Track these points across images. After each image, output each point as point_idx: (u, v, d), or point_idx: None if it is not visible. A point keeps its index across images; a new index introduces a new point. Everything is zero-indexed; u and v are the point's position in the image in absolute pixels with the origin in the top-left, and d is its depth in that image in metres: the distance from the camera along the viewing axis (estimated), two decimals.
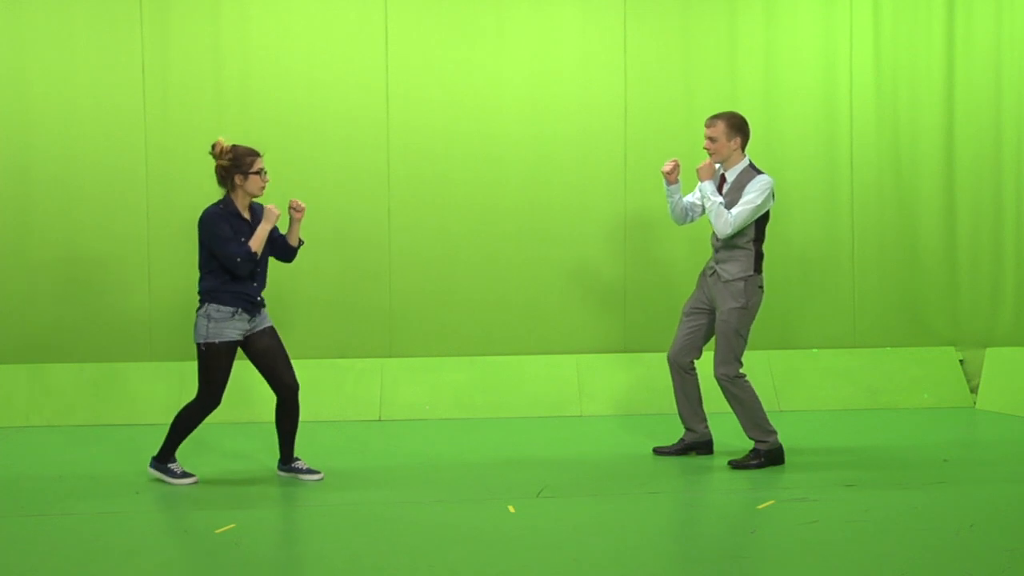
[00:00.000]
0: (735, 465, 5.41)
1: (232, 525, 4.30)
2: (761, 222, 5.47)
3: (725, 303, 5.43)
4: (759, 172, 5.43)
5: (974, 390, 7.69)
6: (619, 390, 7.49)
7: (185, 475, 5.19)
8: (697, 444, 5.76)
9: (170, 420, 7.15)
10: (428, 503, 4.79)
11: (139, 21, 7.34)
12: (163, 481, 5.19)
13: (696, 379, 5.72)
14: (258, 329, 5.17)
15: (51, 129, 7.31)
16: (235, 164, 5.01)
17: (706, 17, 7.69)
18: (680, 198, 5.69)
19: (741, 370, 5.48)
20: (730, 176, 5.49)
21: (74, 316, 7.34)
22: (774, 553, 3.82)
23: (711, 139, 5.48)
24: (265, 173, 5.11)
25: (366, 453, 6.05)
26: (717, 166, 5.60)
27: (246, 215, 5.11)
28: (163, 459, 5.21)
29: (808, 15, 7.76)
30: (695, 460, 5.68)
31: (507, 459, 5.80)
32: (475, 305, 7.61)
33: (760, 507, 4.52)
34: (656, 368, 7.57)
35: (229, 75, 7.40)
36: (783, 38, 7.75)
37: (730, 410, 5.58)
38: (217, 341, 4.99)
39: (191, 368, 7.36)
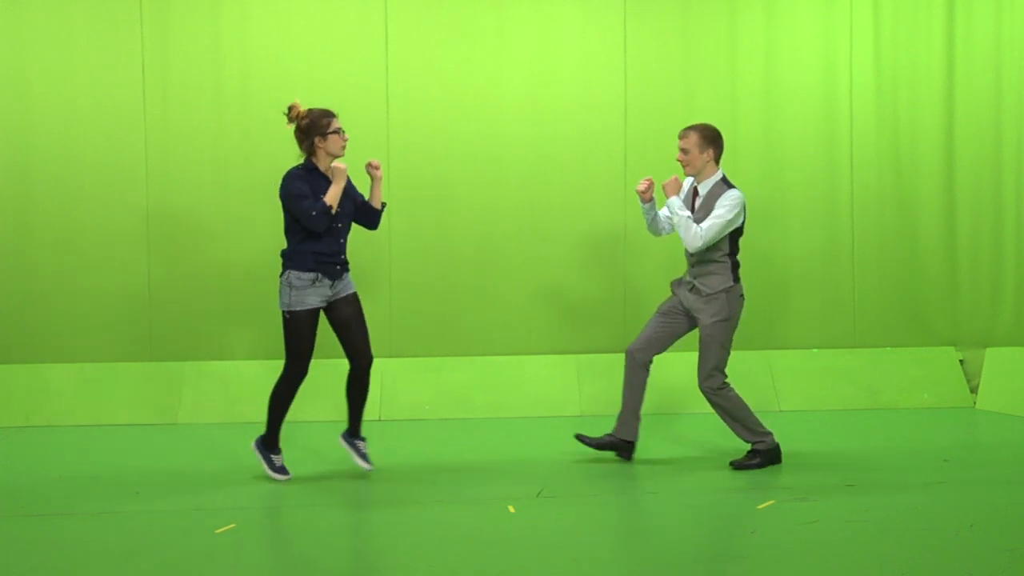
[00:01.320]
0: (736, 466, 5.41)
1: (232, 525, 4.30)
2: (735, 236, 5.43)
3: (708, 317, 5.39)
4: (731, 187, 5.38)
5: (974, 390, 7.69)
6: (618, 390, 7.45)
7: (283, 471, 5.20)
8: (621, 445, 5.61)
9: (170, 420, 7.19)
10: (428, 503, 4.78)
11: (139, 21, 7.34)
12: (261, 465, 5.21)
13: (646, 379, 5.61)
14: (341, 295, 5.19)
15: (51, 129, 7.31)
16: (313, 126, 5.05)
17: (706, 17, 7.69)
18: (655, 214, 5.63)
19: (725, 380, 5.44)
20: (703, 189, 5.44)
21: (74, 316, 7.34)
22: (774, 553, 3.82)
23: (684, 151, 5.43)
24: (343, 132, 5.12)
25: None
26: (689, 180, 5.54)
27: (330, 176, 5.12)
28: (268, 444, 5.21)
29: (808, 15, 7.76)
30: (695, 460, 5.67)
31: (507, 459, 5.80)
32: (475, 305, 7.61)
33: (760, 507, 4.52)
34: (656, 368, 7.56)
35: (229, 75, 7.40)
36: (783, 38, 7.75)
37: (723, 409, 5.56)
38: (299, 309, 5.02)
39: (191, 368, 7.38)
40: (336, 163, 5.12)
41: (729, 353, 5.46)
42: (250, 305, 7.46)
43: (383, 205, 5.37)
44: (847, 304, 7.84)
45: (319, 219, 4.97)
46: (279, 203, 7.57)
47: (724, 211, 5.28)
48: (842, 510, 4.44)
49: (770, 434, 5.49)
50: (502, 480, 5.22)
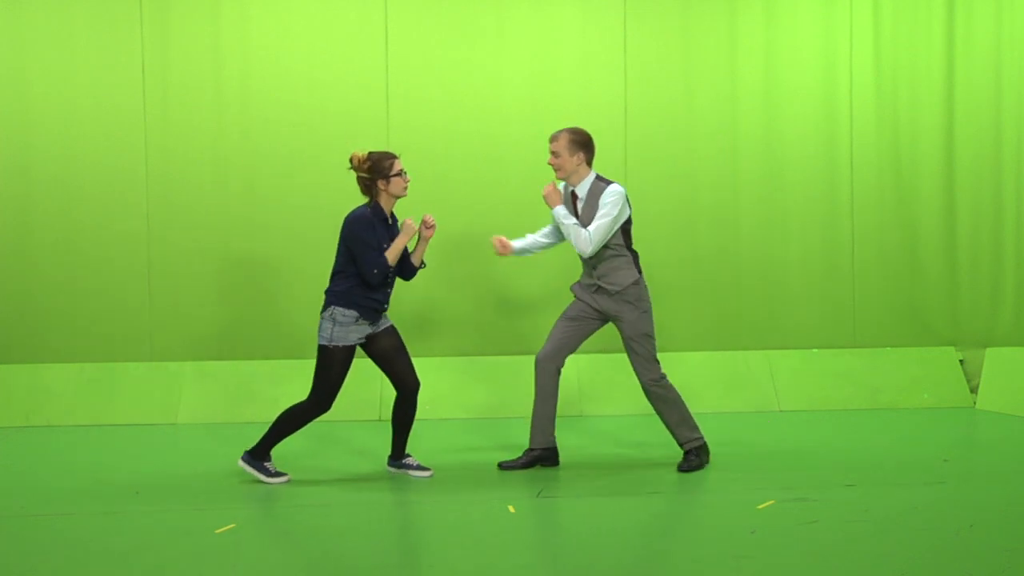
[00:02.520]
0: (684, 469, 5.34)
1: (232, 525, 4.30)
2: (626, 229, 5.39)
3: (626, 313, 5.36)
4: (608, 183, 5.34)
5: (974, 390, 7.69)
6: (619, 390, 7.48)
7: (279, 474, 5.17)
8: (544, 456, 5.54)
9: (169, 420, 7.19)
10: (428, 503, 4.78)
11: (139, 21, 7.35)
12: (255, 478, 5.17)
13: (558, 384, 5.54)
14: (379, 330, 5.23)
15: (51, 129, 7.32)
16: (376, 170, 5.07)
17: (706, 17, 7.70)
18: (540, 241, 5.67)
19: (661, 368, 5.40)
20: (580, 192, 5.39)
21: (74, 316, 7.34)
22: (774, 553, 3.81)
23: (554, 154, 5.38)
24: (405, 173, 5.16)
25: (366, 453, 6.04)
26: (562, 184, 5.52)
27: (390, 220, 5.19)
28: (259, 455, 5.17)
29: (808, 15, 7.76)
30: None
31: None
32: (475, 305, 7.61)
33: (760, 507, 4.52)
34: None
35: (229, 75, 7.41)
36: (783, 38, 7.75)
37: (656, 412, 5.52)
38: (340, 344, 5.03)
39: (191, 368, 7.39)
40: (408, 220, 5.16)
41: (656, 344, 5.41)
42: (250, 305, 7.46)
43: (422, 264, 5.38)
44: (847, 304, 7.84)
45: (377, 277, 5.02)
46: (279, 203, 7.61)
47: (607, 209, 5.24)
48: (842, 510, 4.44)
49: (701, 434, 5.47)
50: (502, 480, 5.22)
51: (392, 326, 5.30)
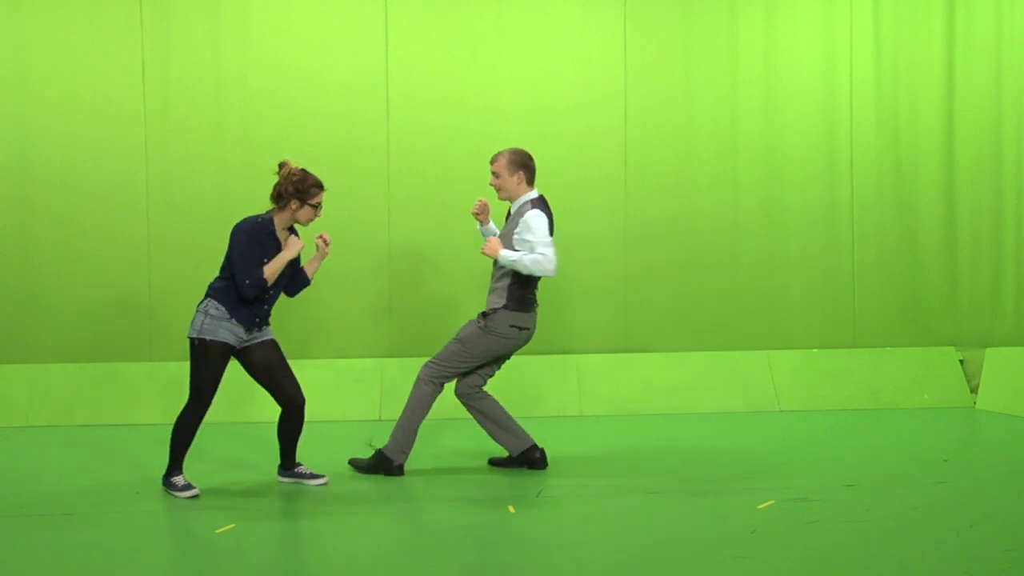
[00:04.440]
0: (353, 461, 5.41)
1: (232, 525, 4.30)
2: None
3: (473, 324, 5.36)
4: (535, 207, 5.26)
5: (974, 390, 7.70)
6: (619, 390, 7.49)
7: (188, 487, 4.94)
8: (530, 456, 5.50)
9: (169, 420, 7.19)
10: (428, 503, 4.78)
11: (139, 21, 7.35)
12: (170, 494, 5.02)
13: (491, 400, 5.53)
14: (256, 341, 5.05)
15: (51, 129, 7.32)
16: (299, 190, 4.95)
17: (706, 17, 7.70)
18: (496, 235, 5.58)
19: (442, 379, 5.36)
20: (513, 209, 5.38)
21: (74, 316, 7.34)
22: (774, 553, 3.82)
23: (495, 174, 5.37)
24: (320, 208, 5.05)
25: (366, 453, 6.04)
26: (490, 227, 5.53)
27: (281, 237, 5.02)
28: (170, 472, 5.00)
29: (808, 15, 7.76)
30: (694, 461, 5.67)
31: None
32: (475, 305, 7.60)
33: (760, 507, 4.52)
34: (656, 368, 7.58)
35: (229, 75, 7.41)
36: (783, 38, 7.76)
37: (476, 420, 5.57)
38: (209, 339, 4.86)
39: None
40: (294, 238, 5.00)
41: (460, 363, 5.34)
42: None
43: (308, 282, 5.26)
44: (847, 304, 7.84)
45: (249, 291, 4.86)
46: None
47: (535, 229, 5.17)
48: (842, 510, 4.44)
49: (406, 454, 5.38)
50: (502, 480, 5.22)
51: (273, 340, 5.09)
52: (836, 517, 4.32)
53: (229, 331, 4.91)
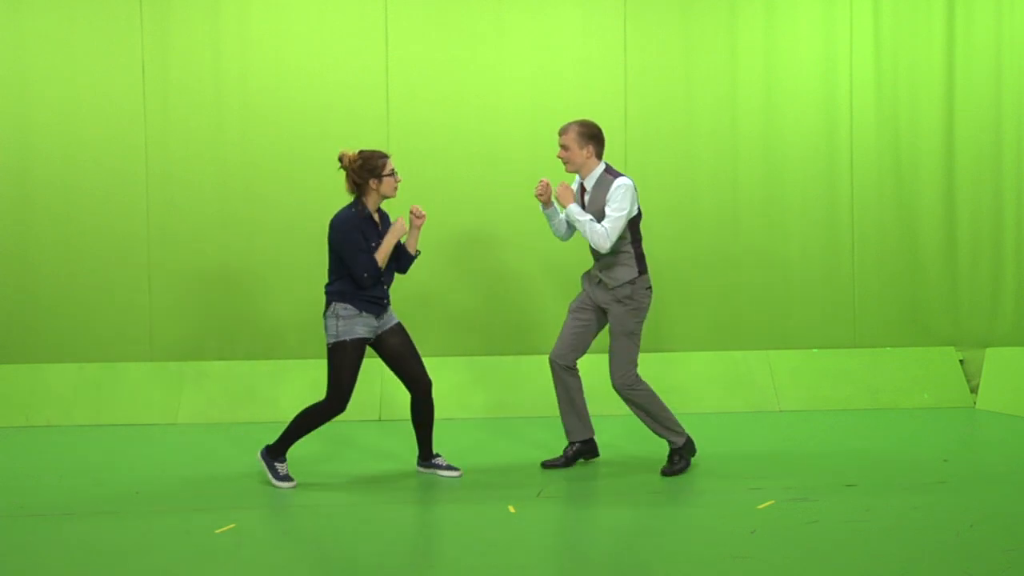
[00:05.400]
0: (666, 472, 5.31)
1: (232, 525, 4.30)
2: (635, 223, 5.34)
3: (614, 307, 5.32)
4: (616, 175, 5.29)
5: (974, 390, 7.70)
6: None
7: (288, 479, 5.12)
8: (584, 449, 5.57)
9: (169, 420, 7.19)
10: (428, 503, 4.79)
11: (139, 21, 7.35)
12: (265, 475, 5.20)
13: (580, 381, 5.54)
14: (387, 327, 5.22)
15: (51, 129, 7.32)
16: (367, 169, 5.05)
17: (706, 17, 7.70)
18: (560, 218, 5.58)
19: (637, 372, 5.34)
20: (588, 184, 5.37)
21: (74, 316, 7.34)
22: (774, 553, 3.82)
23: (563, 147, 5.37)
24: (397, 173, 5.15)
25: (366, 454, 6.04)
26: (575, 181, 5.50)
27: (376, 218, 5.17)
28: (275, 453, 5.16)
29: (808, 15, 7.76)
30: (693, 461, 5.66)
31: (506, 459, 5.81)
32: (475, 305, 7.61)
33: (760, 507, 4.52)
34: (656, 368, 7.58)
35: (229, 75, 7.41)
36: (783, 38, 7.75)
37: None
38: (348, 339, 5.01)
39: (191, 368, 7.39)
40: (399, 220, 5.14)
41: (639, 347, 5.36)
42: (250, 305, 7.46)
43: (417, 252, 5.37)
44: (847, 304, 7.84)
45: (368, 280, 5.02)
46: (279, 203, 7.62)
47: (618, 203, 5.19)
48: (842, 510, 4.44)
49: (683, 430, 5.42)
50: (502, 480, 5.22)
51: (399, 324, 5.29)
52: (836, 517, 4.32)
53: (363, 325, 5.07)
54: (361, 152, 5.08)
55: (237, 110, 7.41)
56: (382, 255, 5.07)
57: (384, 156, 5.11)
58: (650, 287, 5.39)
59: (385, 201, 5.25)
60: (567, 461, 5.54)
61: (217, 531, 4.22)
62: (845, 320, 7.84)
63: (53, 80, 7.31)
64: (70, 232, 7.34)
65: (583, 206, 5.37)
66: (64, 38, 7.31)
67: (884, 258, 7.85)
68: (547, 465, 5.53)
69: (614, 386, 5.32)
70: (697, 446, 5.65)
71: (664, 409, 5.36)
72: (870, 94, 7.80)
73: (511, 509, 4.55)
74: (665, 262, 7.69)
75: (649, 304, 5.39)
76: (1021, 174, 7.84)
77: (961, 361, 7.81)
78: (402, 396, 7.25)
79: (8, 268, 7.31)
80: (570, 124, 5.39)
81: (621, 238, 5.29)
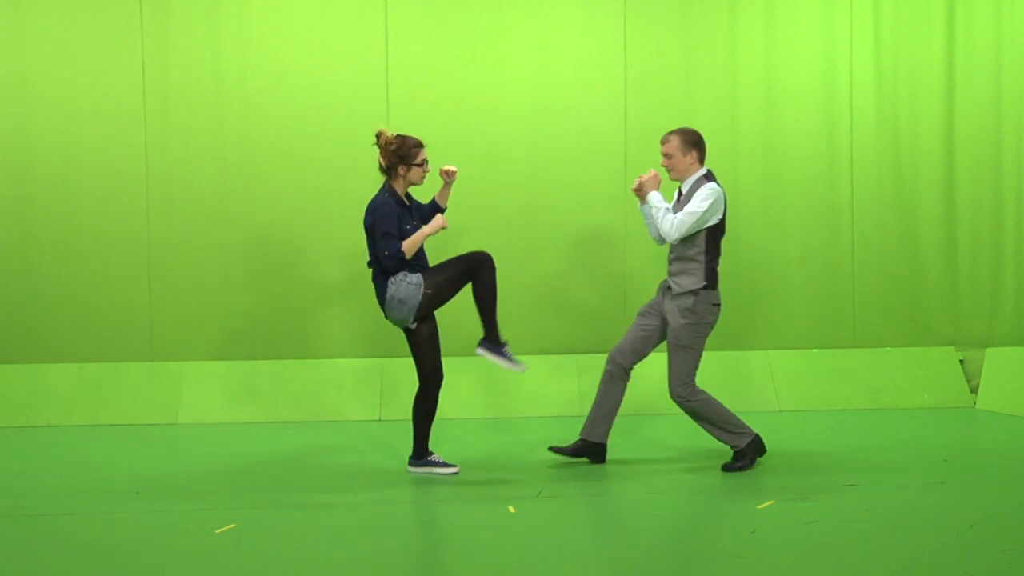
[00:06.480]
0: (727, 468, 5.35)
1: (232, 525, 4.30)
2: (714, 235, 5.31)
3: (675, 319, 5.32)
4: (709, 180, 5.32)
5: (974, 390, 7.70)
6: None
7: (447, 464, 5.31)
8: (588, 450, 5.57)
9: (169, 420, 7.19)
10: (428, 503, 4.79)
11: (139, 21, 7.35)
12: (431, 475, 5.28)
13: (625, 387, 5.54)
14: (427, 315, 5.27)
15: (51, 130, 7.32)
16: (400, 154, 5.13)
17: (706, 17, 7.70)
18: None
19: (694, 384, 5.34)
20: (685, 188, 5.41)
21: (74, 316, 7.35)
22: (774, 553, 3.82)
23: (667, 155, 5.39)
24: (428, 163, 5.22)
25: (366, 453, 6.04)
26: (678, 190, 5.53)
27: (407, 202, 5.26)
28: (421, 455, 5.30)
29: (808, 15, 7.77)
30: (692, 462, 5.67)
31: (507, 459, 5.80)
32: (474, 305, 7.60)
33: (760, 507, 4.52)
34: (656, 368, 7.57)
35: (229, 75, 7.41)
36: (783, 38, 7.76)
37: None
38: (418, 303, 5.09)
39: (191, 368, 7.38)
40: (440, 217, 5.21)
41: (698, 360, 5.36)
42: (251, 305, 7.46)
43: (443, 209, 5.49)
44: (847, 304, 7.84)
45: (389, 261, 5.08)
46: (279, 203, 7.62)
47: (698, 201, 5.22)
48: (842, 510, 4.44)
49: (748, 429, 5.41)
50: (502, 480, 5.22)
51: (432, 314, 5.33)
52: (836, 517, 4.32)
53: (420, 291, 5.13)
54: (398, 136, 5.16)
55: (237, 110, 7.41)
56: (410, 243, 5.11)
57: (419, 145, 5.18)
58: (718, 304, 5.36)
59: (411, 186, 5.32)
60: (575, 451, 5.56)
61: (217, 531, 4.22)
62: (845, 320, 7.84)
63: (53, 80, 7.31)
64: (70, 232, 7.34)
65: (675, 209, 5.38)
66: (64, 38, 7.31)
67: (884, 258, 7.85)
68: (554, 449, 5.57)
69: (671, 396, 5.37)
70: (691, 445, 5.65)
71: (724, 413, 5.37)
72: (870, 94, 7.80)
73: (511, 509, 4.55)
74: (665, 261, 7.68)
75: (714, 321, 5.37)
76: (1021, 174, 7.84)
77: (961, 361, 7.81)
78: (402, 396, 7.26)
79: (8, 268, 7.32)
80: (671, 133, 5.41)
81: (694, 246, 5.30)
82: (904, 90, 7.83)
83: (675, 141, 5.38)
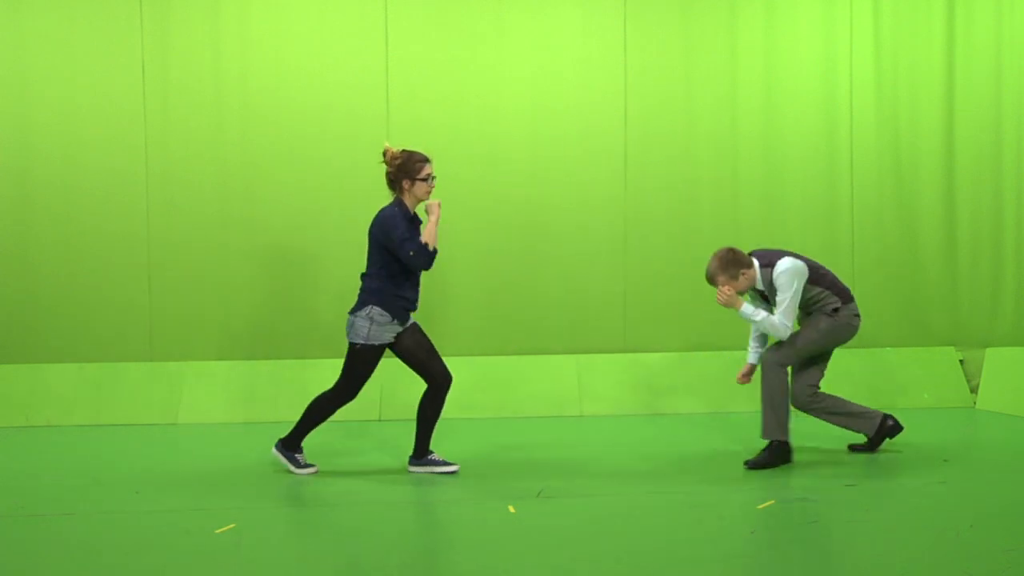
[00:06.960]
0: (749, 465, 5.43)
1: (232, 525, 4.30)
2: (813, 279, 5.41)
3: (815, 313, 5.53)
4: (769, 266, 5.35)
5: (974, 390, 7.70)
6: (619, 390, 7.49)
7: (308, 465, 5.33)
8: (884, 433, 5.73)
9: (169, 420, 7.19)
10: (428, 503, 4.78)
11: (139, 21, 7.35)
12: (286, 467, 5.34)
13: (828, 397, 5.64)
14: (405, 328, 5.26)
15: (51, 130, 7.33)
16: (403, 169, 5.11)
17: (706, 17, 7.70)
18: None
19: (816, 390, 5.55)
20: (761, 287, 5.46)
21: (74, 316, 7.35)
22: (774, 553, 3.81)
23: (722, 290, 5.32)
24: (433, 179, 5.19)
25: (366, 453, 6.04)
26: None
27: (416, 219, 5.24)
28: (290, 446, 5.32)
29: (808, 15, 7.77)
30: (693, 462, 5.66)
31: (507, 459, 5.80)
32: (475, 305, 7.61)
33: (760, 507, 4.52)
34: (656, 368, 7.58)
35: (229, 75, 7.41)
36: (783, 38, 7.76)
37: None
38: (376, 344, 5.10)
39: (191, 368, 7.38)
40: (432, 202, 5.17)
41: (823, 371, 5.59)
42: (250, 305, 7.47)
43: (434, 250, 5.24)
44: None
45: (419, 258, 5.05)
46: (279, 203, 7.62)
47: (784, 291, 5.30)
48: (842, 510, 4.44)
49: (876, 412, 5.66)
50: (502, 480, 5.22)
51: (416, 324, 5.33)
52: (836, 517, 4.31)
53: (391, 332, 5.15)
54: (403, 151, 5.14)
55: (237, 110, 7.41)
56: (430, 235, 5.09)
57: (424, 160, 5.15)
58: (858, 315, 5.53)
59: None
60: (873, 445, 5.76)
61: (217, 531, 4.21)
62: None
63: (53, 80, 7.31)
64: (70, 232, 7.34)
65: (773, 303, 5.44)
66: (64, 38, 7.31)
67: (884, 258, 7.85)
68: (854, 448, 5.81)
69: (768, 357, 5.49)
70: (691, 445, 5.64)
71: (846, 408, 5.61)
72: (870, 94, 7.80)
73: (511, 509, 4.55)
74: (665, 262, 7.69)
75: (853, 332, 5.52)
76: (1021, 174, 7.84)
77: (961, 361, 7.81)
78: (402, 396, 7.26)
79: (8, 268, 7.32)
80: (712, 272, 5.34)
81: (808, 300, 5.44)
82: (904, 90, 7.83)
83: (720, 276, 5.33)
